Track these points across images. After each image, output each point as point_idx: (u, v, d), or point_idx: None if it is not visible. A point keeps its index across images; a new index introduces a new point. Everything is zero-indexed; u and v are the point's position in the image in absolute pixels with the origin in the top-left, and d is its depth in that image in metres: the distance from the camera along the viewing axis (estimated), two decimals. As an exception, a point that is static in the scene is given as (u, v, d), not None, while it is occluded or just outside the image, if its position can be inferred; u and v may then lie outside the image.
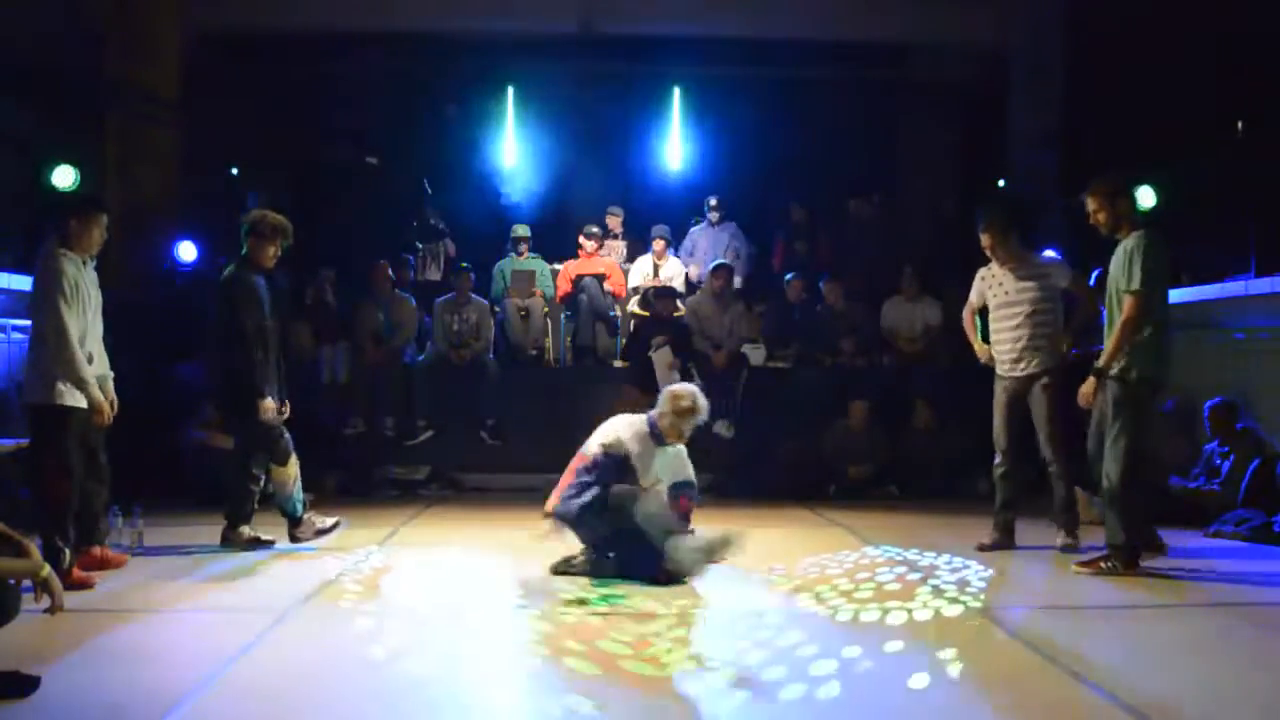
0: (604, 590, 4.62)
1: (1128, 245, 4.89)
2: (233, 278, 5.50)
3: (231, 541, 5.51)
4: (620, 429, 4.97)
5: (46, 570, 3.17)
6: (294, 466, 5.55)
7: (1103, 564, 4.93)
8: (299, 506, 5.57)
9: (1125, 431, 4.83)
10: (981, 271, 5.83)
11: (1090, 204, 5.04)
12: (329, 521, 5.62)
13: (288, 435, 5.57)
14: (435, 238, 9.76)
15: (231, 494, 5.56)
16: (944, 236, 9.67)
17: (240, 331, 5.38)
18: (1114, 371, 4.88)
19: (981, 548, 5.57)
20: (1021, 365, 5.57)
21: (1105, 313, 5.08)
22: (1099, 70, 9.16)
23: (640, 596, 4.51)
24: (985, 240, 5.66)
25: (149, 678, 3.39)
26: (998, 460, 5.71)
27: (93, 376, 4.79)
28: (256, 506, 5.65)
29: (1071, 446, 5.45)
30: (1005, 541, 5.67)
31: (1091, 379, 4.95)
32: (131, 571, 5.01)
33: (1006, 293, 5.65)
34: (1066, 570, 5.08)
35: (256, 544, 5.52)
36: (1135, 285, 4.80)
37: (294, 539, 5.58)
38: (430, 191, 9.81)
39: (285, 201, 8.32)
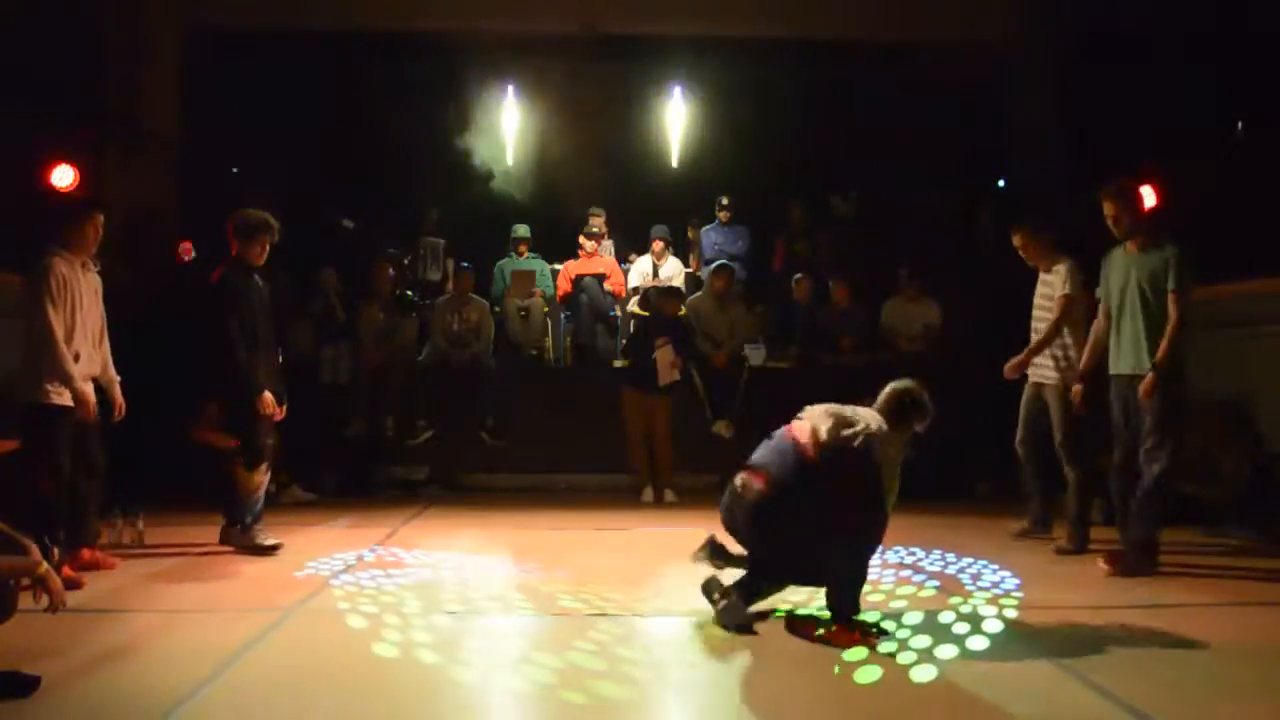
0: (601, 592, 4.62)
1: (1166, 252, 4.95)
2: (220, 279, 5.49)
3: (230, 540, 5.52)
4: None
5: (45, 568, 3.17)
6: (260, 476, 5.48)
7: (1125, 561, 4.97)
8: (246, 516, 5.48)
9: (1170, 433, 4.89)
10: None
11: (1110, 208, 5.09)
12: (270, 541, 5.47)
13: (269, 444, 5.52)
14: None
15: (227, 495, 5.56)
16: (944, 237, 9.67)
17: (226, 332, 5.35)
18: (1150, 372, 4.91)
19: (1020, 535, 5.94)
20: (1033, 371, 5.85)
21: (1119, 318, 5.10)
22: (1099, 70, 9.15)
23: (638, 599, 4.51)
24: (1017, 240, 5.92)
25: (149, 678, 3.39)
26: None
27: (78, 373, 4.79)
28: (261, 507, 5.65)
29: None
30: (1035, 529, 5.94)
31: (1151, 378, 4.89)
32: (131, 571, 5.02)
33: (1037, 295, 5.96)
34: (1064, 569, 5.09)
35: (258, 550, 5.45)
36: (1175, 285, 4.89)
37: (223, 539, 5.54)
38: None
39: (284, 200, 8.31)
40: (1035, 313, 5.85)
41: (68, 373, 4.75)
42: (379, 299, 8.51)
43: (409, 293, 9.16)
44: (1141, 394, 4.90)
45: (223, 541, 5.56)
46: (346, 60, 10.15)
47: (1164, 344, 4.89)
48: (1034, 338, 5.77)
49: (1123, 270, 5.10)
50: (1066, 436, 5.66)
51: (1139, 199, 5.14)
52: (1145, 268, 5.00)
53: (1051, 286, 5.77)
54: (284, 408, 5.69)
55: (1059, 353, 5.71)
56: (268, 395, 5.46)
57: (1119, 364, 5.11)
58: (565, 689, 3.31)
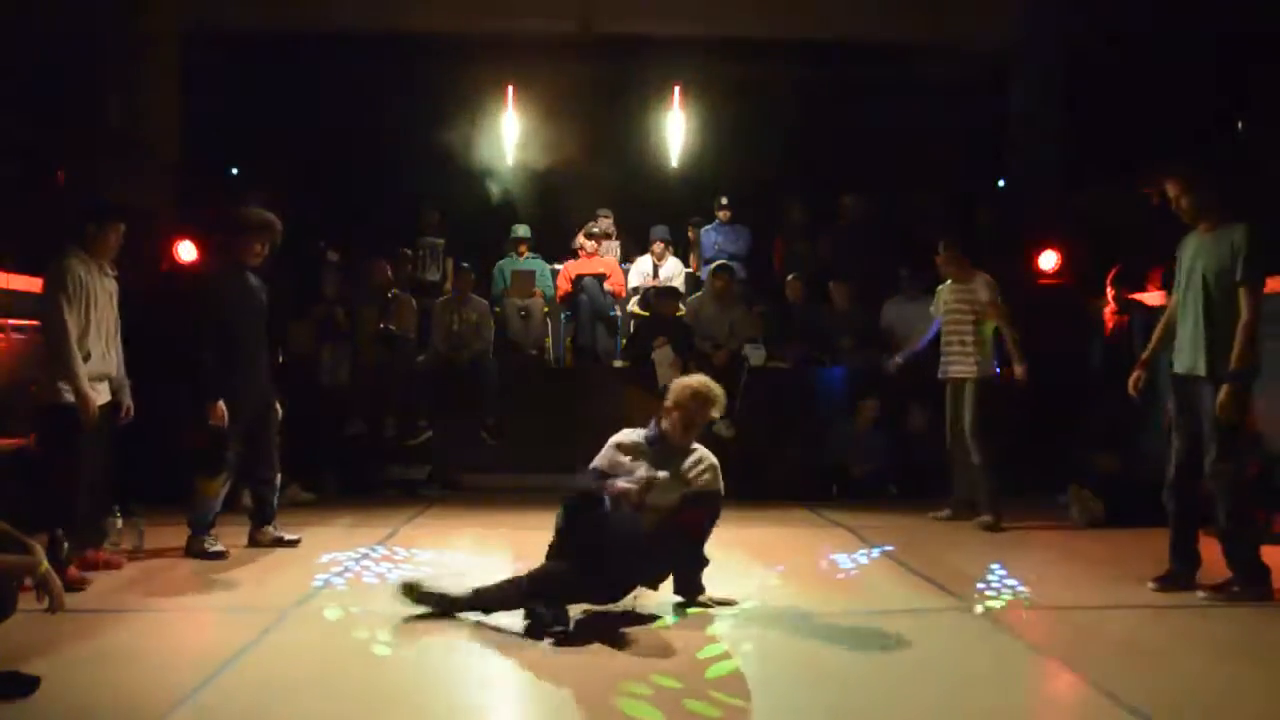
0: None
1: (1234, 235, 4.44)
2: (203, 277, 5.47)
3: (190, 550, 5.36)
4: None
5: (46, 568, 3.17)
6: (218, 485, 5.36)
7: (1234, 589, 4.51)
8: (203, 526, 5.35)
9: (1235, 441, 4.46)
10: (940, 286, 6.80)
11: (1172, 189, 4.62)
12: (219, 547, 5.35)
13: (230, 454, 5.37)
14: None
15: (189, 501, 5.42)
16: (944, 237, 9.66)
17: (194, 331, 5.30)
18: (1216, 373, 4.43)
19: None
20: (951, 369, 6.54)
21: (1182, 308, 4.63)
22: (1099, 69, 9.16)
23: (638, 598, 4.51)
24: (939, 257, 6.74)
25: (149, 678, 3.39)
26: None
27: (85, 373, 4.78)
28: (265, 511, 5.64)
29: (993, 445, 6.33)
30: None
31: (1228, 386, 4.36)
32: (131, 571, 5.02)
33: (946, 303, 6.68)
34: (1063, 569, 5.09)
35: (206, 555, 5.31)
36: (1245, 276, 4.37)
37: (188, 550, 5.36)
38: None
39: (284, 200, 8.30)
40: (953, 318, 6.57)
41: (75, 372, 4.74)
42: (378, 299, 8.50)
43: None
44: (1219, 411, 4.37)
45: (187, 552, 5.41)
46: (346, 60, 10.15)
47: (1237, 347, 4.36)
48: (954, 341, 6.53)
49: (1190, 255, 4.62)
50: (978, 426, 6.33)
51: (1204, 179, 4.59)
52: (1210, 254, 4.50)
53: (973, 293, 6.46)
54: (279, 409, 5.62)
55: (972, 349, 6.40)
56: (220, 406, 5.24)
57: (1177, 360, 4.64)
58: (566, 688, 3.31)
